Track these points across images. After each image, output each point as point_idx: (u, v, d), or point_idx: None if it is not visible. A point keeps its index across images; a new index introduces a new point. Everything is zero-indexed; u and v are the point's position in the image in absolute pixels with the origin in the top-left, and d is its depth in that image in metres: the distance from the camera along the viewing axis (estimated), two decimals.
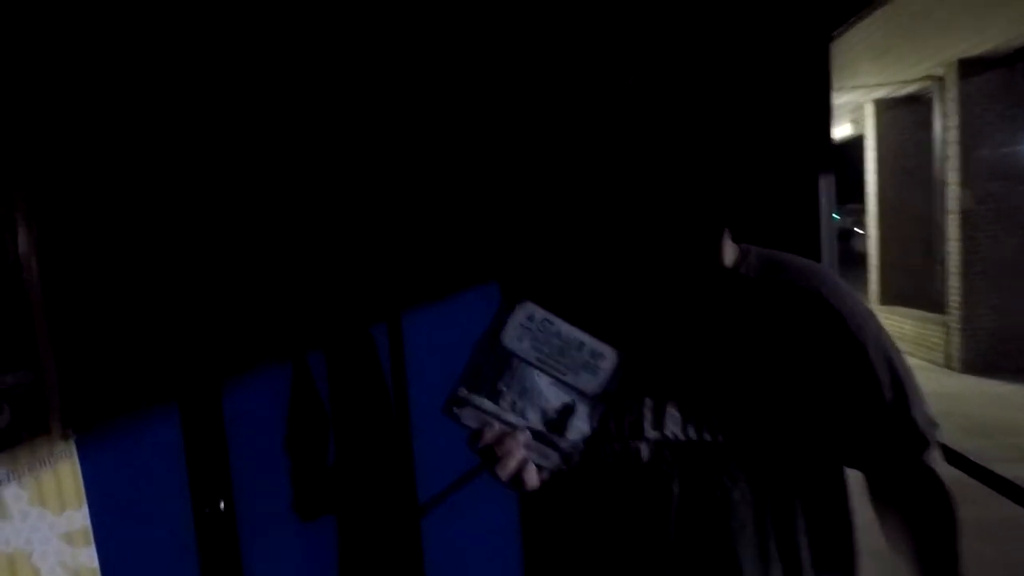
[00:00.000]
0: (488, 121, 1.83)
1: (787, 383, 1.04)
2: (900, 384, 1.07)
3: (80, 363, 1.04)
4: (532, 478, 1.00)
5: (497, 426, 0.96)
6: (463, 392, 0.97)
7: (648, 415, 1.06)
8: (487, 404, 0.97)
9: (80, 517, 1.02)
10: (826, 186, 1.74)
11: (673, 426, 1.05)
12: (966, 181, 6.88)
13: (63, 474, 0.98)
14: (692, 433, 1.05)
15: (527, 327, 0.98)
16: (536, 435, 0.97)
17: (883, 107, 8.55)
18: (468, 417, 0.97)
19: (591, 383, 0.98)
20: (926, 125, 7.67)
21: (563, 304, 1.01)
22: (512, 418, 0.97)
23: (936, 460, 1.10)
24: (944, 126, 7.11)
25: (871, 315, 1.12)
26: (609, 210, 1.09)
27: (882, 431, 1.08)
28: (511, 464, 0.97)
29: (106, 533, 1.05)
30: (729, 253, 1.13)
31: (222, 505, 1.29)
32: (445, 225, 1.85)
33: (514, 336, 0.98)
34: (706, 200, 1.04)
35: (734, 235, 1.15)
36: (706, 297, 1.10)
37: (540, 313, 0.98)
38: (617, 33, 1.72)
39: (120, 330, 1.13)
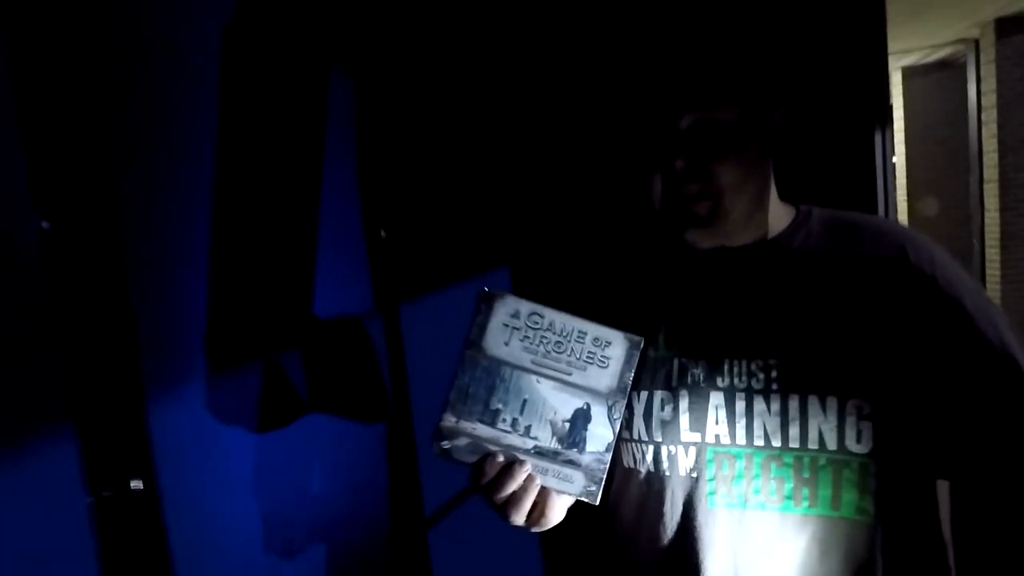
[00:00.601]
0: (493, 88, 1.63)
1: (864, 370, 0.84)
2: (1012, 357, 0.85)
3: None
4: (555, 511, 0.84)
5: (500, 456, 0.80)
6: (450, 421, 0.81)
7: (685, 415, 0.89)
8: (482, 429, 0.81)
9: None
10: (884, 142, 1.52)
11: (717, 427, 0.88)
12: (1005, 148, 6.56)
13: None
14: (741, 436, 0.87)
15: (513, 326, 0.83)
16: (550, 455, 0.81)
17: (911, 75, 8.26)
18: (462, 451, 0.81)
19: (603, 378, 0.83)
20: (957, 92, 7.35)
21: (585, 293, 0.89)
22: (516, 441, 0.81)
23: None
24: (979, 91, 6.79)
25: (972, 280, 0.91)
26: (634, 176, 0.91)
27: (998, 408, 0.86)
28: (526, 500, 0.80)
29: None
30: (780, 218, 0.94)
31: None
32: (448, 204, 1.65)
33: (499, 340, 0.82)
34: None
35: (790, 197, 0.97)
36: (750, 273, 0.91)
37: (525, 306, 0.83)
38: None
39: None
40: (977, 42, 6.79)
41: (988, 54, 6.61)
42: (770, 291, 0.90)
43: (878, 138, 1.56)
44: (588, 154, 1.57)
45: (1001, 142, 6.60)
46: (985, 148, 6.83)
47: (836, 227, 0.94)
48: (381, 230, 1.60)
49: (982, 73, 6.73)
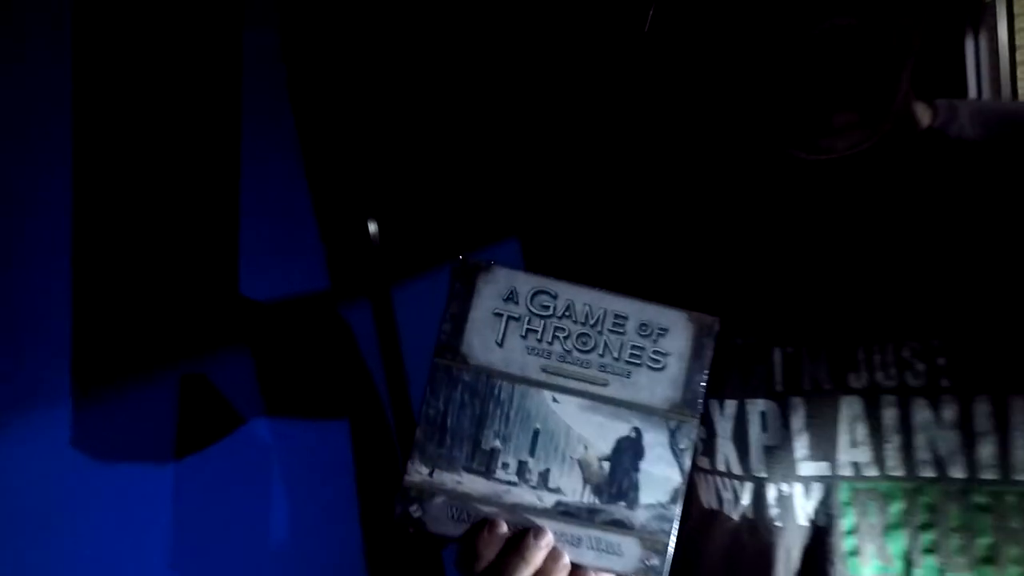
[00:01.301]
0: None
1: None
2: None
3: None
4: None
5: (502, 524, 0.54)
6: (420, 472, 0.55)
7: (802, 435, 0.62)
8: (472, 482, 0.55)
9: None
10: (975, 50, 1.30)
11: (855, 452, 0.61)
12: None
13: None
14: (896, 464, 0.60)
15: (509, 315, 0.55)
16: (584, 516, 0.55)
17: None
18: (440, 518, 0.55)
19: (658, 387, 0.56)
20: (987, 34, 7.00)
21: (627, 252, 0.68)
22: (528, 497, 0.55)
23: None
24: (1012, 30, 6.42)
25: None
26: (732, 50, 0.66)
27: None
28: None
29: None
30: (921, 113, 0.67)
31: None
32: (442, 163, 1.37)
33: (488, 338, 0.56)
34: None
35: None
36: (893, 188, 0.64)
37: (526, 282, 0.57)
38: None
39: None
40: None
41: None
42: (925, 213, 0.62)
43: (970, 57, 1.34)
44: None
45: None
46: (1021, 93, 6.47)
47: (998, 119, 0.67)
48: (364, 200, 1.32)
49: (1016, 10, 6.36)
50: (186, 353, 1.02)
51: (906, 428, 0.58)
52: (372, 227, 1.33)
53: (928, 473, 0.58)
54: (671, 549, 0.55)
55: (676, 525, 0.55)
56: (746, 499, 0.64)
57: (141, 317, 0.96)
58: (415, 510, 0.54)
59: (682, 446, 0.55)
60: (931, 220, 0.62)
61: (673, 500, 0.55)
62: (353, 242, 1.31)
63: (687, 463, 0.55)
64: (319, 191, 1.23)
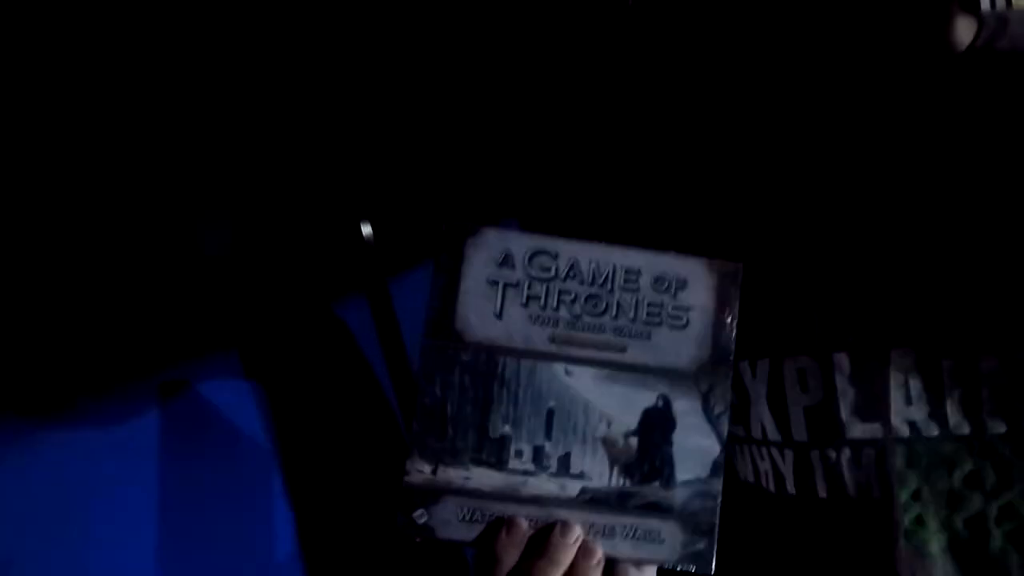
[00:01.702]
0: None
1: None
2: None
3: None
4: None
5: (523, 521, 0.47)
6: (421, 471, 0.49)
7: (848, 392, 0.56)
8: (482, 476, 0.49)
9: None
10: None
11: (911, 410, 0.54)
12: None
13: None
14: (959, 421, 0.53)
15: (506, 282, 0.49)
16: (613, 502, 0.49)
17: None
18: (448, 522, 0.48)
19: (683, 346, 0.51)
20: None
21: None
22: (548, 486, 0.49)
23: None
24: None
25: None
26: None
27: None
28: None
29: None
30: (963, 29, 0.58)
31: None
32: (437, 144, 1.30)
33: (485, 311, 0.50)
34: None
35: None
36: (934, 108, 0.56)
37: (520, 242, 0.51)
38: None
39: None
40: None
41: None
42: (978, 143, 0.55)
43: None
44: None
45: None
46: None
47: None
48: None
49: None
50: (174, 355, 0.98)
51: (972, 379, 0.52)
52: (365, 224, 1.29)
53: (998, 429, 0.52)
54: (717, 531, 0.49)
55: (719, 503, 0.49)
56: (786, 467, 0.58)
57: (135, 319, 0.93)
58: (420, 515, 0.48)
59: (717, 411, 0.49)
60: (986, 150, 0.55)
61: (714, 473, 0.49)
62: (345, 235, 1.27)
63: (724, 430, 0.49)
64: (310, 180, 1.19)
